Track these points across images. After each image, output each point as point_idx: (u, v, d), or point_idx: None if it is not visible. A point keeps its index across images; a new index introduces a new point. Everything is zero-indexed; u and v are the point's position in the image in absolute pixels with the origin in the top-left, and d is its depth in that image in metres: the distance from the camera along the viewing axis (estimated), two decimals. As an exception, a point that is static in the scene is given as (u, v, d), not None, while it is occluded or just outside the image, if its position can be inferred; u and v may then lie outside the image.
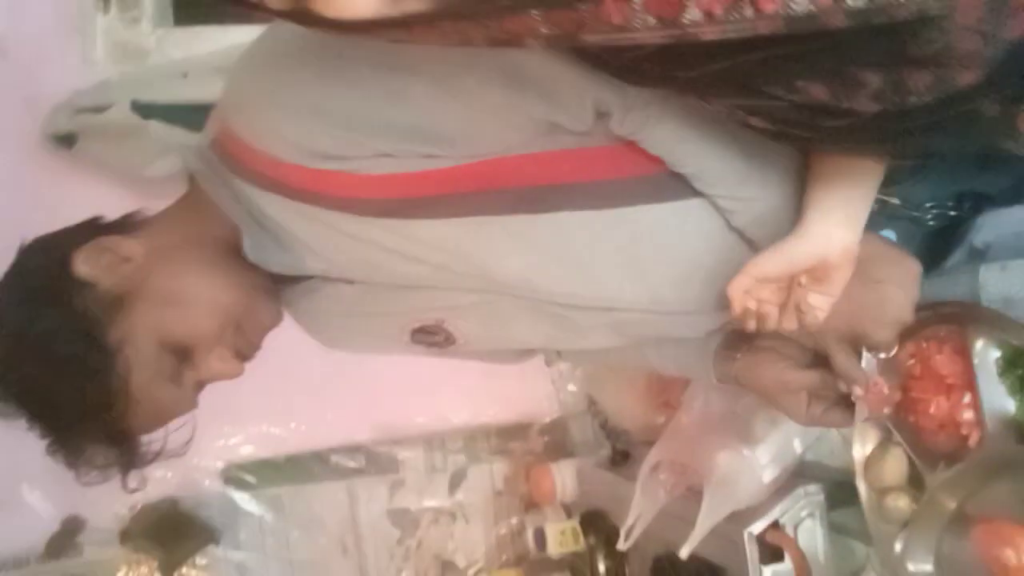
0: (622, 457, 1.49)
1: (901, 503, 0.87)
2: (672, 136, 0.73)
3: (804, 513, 1.00)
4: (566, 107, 0.70)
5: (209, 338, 0.78)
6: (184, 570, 1.77)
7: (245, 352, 0.82)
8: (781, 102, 0.50)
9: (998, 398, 0.78)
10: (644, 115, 0.71)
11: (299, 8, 0.48)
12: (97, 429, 0.75)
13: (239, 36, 1.48)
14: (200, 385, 0.81)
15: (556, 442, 1.94)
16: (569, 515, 1.80)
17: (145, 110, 1.58)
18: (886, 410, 0.82)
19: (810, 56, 0.47)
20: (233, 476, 1.79)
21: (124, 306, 0.75)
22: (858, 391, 0.76)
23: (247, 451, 1.77)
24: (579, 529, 1.65)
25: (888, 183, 0.83)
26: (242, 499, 1.81)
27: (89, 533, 1.68)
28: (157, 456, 0.81)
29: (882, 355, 0.79)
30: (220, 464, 1.76)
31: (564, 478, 1.77)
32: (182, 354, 0.77)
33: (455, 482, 1.91)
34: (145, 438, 0.80)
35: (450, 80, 0.69)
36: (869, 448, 0.92)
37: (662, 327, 0.87)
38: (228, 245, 0.80)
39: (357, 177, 0.73)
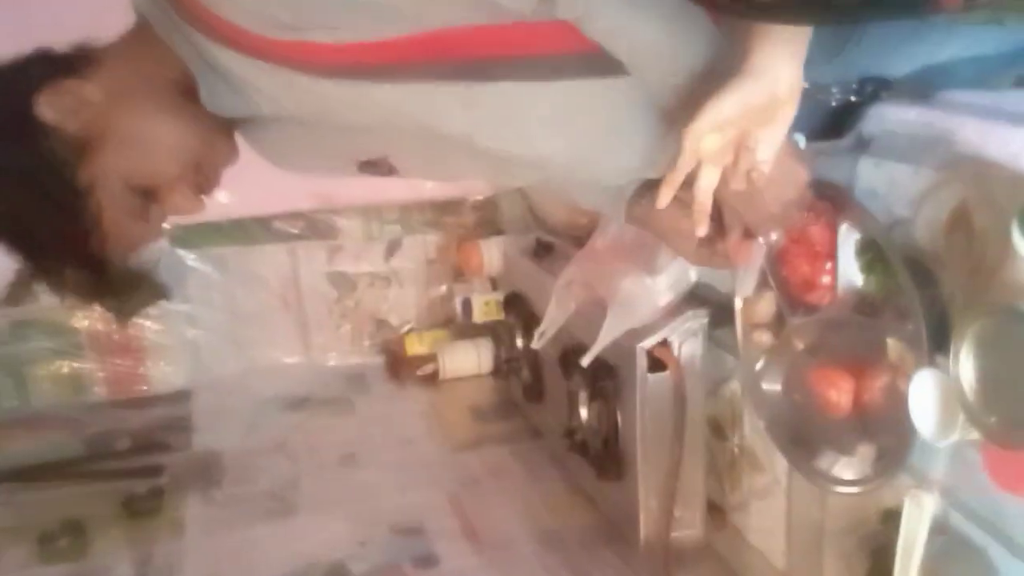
0: (545, 250, 1.62)
1: (765, 338, 1.04)
2: (606, 27, 0.78)
3: (689, 332, 1.18)
4: None
5: (171, 178, 0.84)
6: (138, 319, 1.94)
7: (204, 188, 0.89)
8: None
9: (851, 272, 0.92)
10: (584, 5, 0.75)
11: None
12: (74, 259, 0.84)
13: None
14: (164, 217, 0.89)
15: (487, 219, 2.06)
16: (495, 287, 1.99)
17: None
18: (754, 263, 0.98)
19: None
20: (179, 236, 1.89)
21: (90, 150, 0.80)
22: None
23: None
24: (502, 304, 1.82)
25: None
26: (188, 257, 1.92)
27: (46, 282, 1.78)
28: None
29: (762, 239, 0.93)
30: (167, 225, 1.84)
31: (492, 254, 1.91)
32: (147, 193, 0.84)
33: (391, 250, 2.04)
34: None
35: None
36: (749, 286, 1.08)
37: (585, 180, 0.97)
38: (182, 87, 0.84)
39: (312, 45, 0.76)
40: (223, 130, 0.89)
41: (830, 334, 0.96)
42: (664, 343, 1.17)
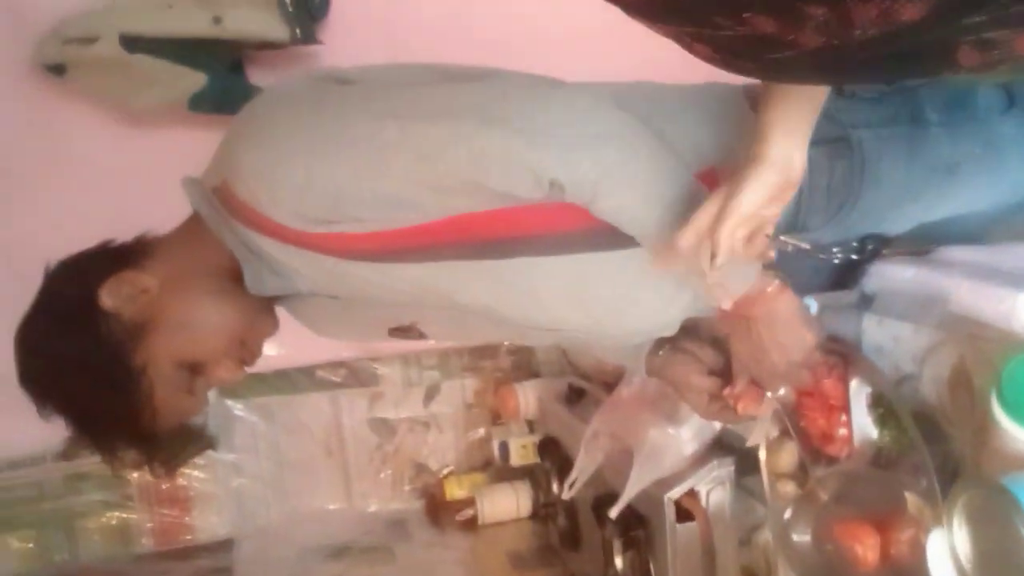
0: (576, 396, 1.66)
1: (789, 488, 1.06)
2: (613, 209, 0.85)
3: (716, 481, 1.19)
4: (523, 186, 0.82)
5: (218, 355, 0.92)
6: (186, 470, 1.99)
7: (248, 361, 0.96)
8: (727, 32, 0.50)
9: (866, 426, 0.94)
10: (592, 192, 0.83)
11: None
12: (126, 434, 0.91)
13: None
14: (209, 388, 0.96)
15: (522, 362, 2.08)
16: (531, 430, 2.01)
17: (132, 44, 1.62)
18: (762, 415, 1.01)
19: None
20: (226, 388, 1.97)
21: (144, 333, 0.88)
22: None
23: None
24: (537, 447, 1.83)
25: (800, 229, 0.97)
26: (236, 407, 1.99)
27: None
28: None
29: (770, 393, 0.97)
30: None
31: (528, 397, 1.92)
32: (194, 368, 0.92)
33: (430, 395, 2.07)
34: None
35: (424, 161, 0.81)
36: (774, 435, 1.10)
37: (602, 343, 1.02)
38: (229, 272, 0.92)
39: (345, 236, 0.85)
40: (265, 307, 0.97)
41: (853, 486, 0.97)
42: (691, 492, 1.18)
